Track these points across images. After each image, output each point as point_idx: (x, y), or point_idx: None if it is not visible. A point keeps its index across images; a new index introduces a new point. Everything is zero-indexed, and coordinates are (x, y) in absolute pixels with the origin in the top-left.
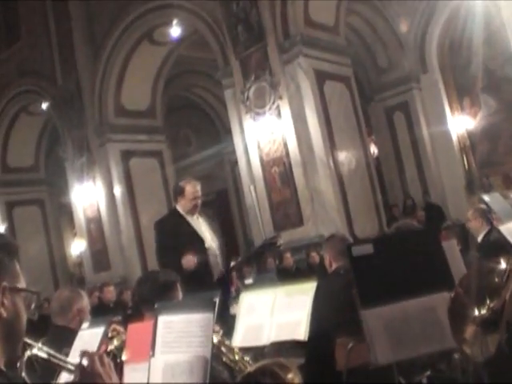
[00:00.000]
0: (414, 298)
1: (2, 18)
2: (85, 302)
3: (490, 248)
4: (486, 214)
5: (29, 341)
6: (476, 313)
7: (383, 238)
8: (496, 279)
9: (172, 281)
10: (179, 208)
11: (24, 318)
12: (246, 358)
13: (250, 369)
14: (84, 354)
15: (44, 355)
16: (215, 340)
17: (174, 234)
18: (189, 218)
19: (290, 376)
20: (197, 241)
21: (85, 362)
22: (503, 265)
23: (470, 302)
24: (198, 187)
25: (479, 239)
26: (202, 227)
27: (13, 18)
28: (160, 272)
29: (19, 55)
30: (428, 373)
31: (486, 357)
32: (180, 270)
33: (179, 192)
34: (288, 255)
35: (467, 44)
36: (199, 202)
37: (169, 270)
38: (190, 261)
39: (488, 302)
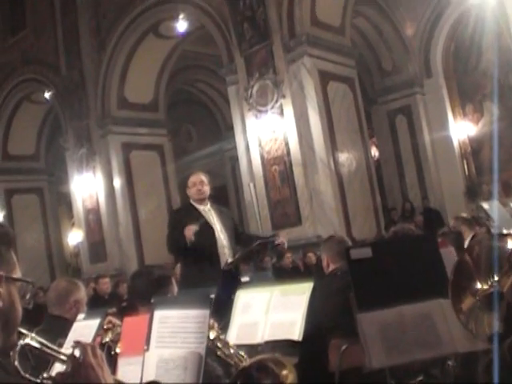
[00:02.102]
0: (411, 303)
1: (8, 6)
2: (82, 293)
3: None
4: (468, 221)
5: (23, 330)
6: (478, 286)
7: (382, 242)
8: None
9: (167, 275)
10: (192, 201)
11: (19, 307)
12: (241, 353)
13: (244, 364)
14: (77, 344)
15: (37, 345)
16: (211, 335)
17: (185, 222)
18: (201, 210)
19: (284, 372)
20: (206, 229)
21: (77, 353)
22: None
23: (473, 272)
24: (201, 176)
25: (465, 245)
26: (213, 219)
27: (19, 5)
28: (155, 267)
29: (24, 43)
30: (420, 378)
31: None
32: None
33: (185, 185)
34: (288, 255)
35: (472, 50)
36: (202, 188)
37: (164, 265)
38: (190, 229)
39: (493, 278)
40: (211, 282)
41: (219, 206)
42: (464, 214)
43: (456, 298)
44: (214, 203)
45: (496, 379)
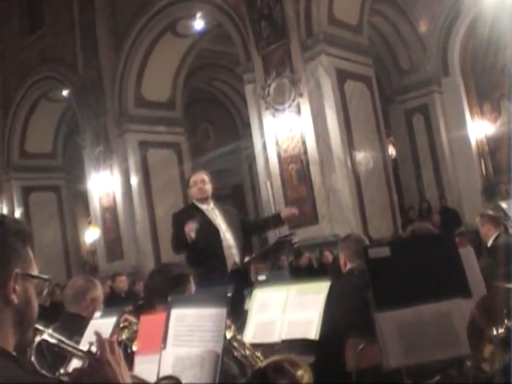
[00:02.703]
0: (429, 303)
1: (27, 5)
2: (99, 291)
3: (499, 253)
4: (494, 219)
5: (39, 326)
6: (494, 332)
7: (400, 241)
8: None
9: (185, 274)
10: (194, 201)
11: (35, 304)
12: (257, 354)
13: (260, 364)
14: (96, 335)
15: (53, 341)
16: (227, 335)
17: (187, 222)
18: (204, 209)
19: (299, 373)
20: (210, 230)
21: (94, 349)
22: None
23: (486, 322)
24: (203, 175)
25: (489, 244)
26: (218, 218)
27: (37, 5)
28: (173, 265)
29: (42, 42)
30: (437, 378)
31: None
32: (192, 259)
33: (186, 184)
34: (306, 254)
35: (490, 49)
36: (204, 187)
37: (182, 264)
38: (189, 226)
39: (506, 321)
40: (217, 282)
41: (223, 204)
42: (490, 212)
43: (476, 350)
44: (218, 202)
45: None
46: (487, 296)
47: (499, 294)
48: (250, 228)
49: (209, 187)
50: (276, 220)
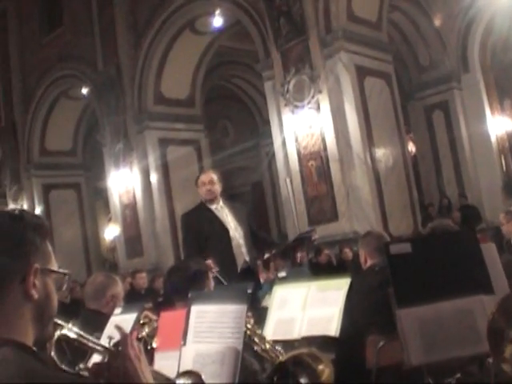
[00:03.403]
0: (451, 299)
1: (46, 3)
2: (119, 288)
3: None
4: None
5: (59, 321)
6: None
7: (421, 238)
8: None
9: (203, 270)
10: (203, 199)
11: (55, 299)
12: (278, 348)
13: (281, 358)
14: (118, 329)
15: (73, 335)
16: (248, 330)
17: (198, 225)
18: (213, 208)
19: (320, 367)
20: (221, 230)
21: (114, 344)
22: None
23: (505, 323)
24: (211, 175)
25: None
26: (227, 217)
27: (56, 3)
28: (191, 261)
29: (61, 40)
30: (458, 375)
31: None
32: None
33: (195, 184)
34: (326, 251)
35: (509, 45)
36: (212, 188)
37: (200, 260)
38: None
39: None
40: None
41: (232, 201)
42: None
43: (496, 351)
44: (227, 200)
45: None
46: (508, 296)
47: None
48: (256, 240)
49: (217, 187)
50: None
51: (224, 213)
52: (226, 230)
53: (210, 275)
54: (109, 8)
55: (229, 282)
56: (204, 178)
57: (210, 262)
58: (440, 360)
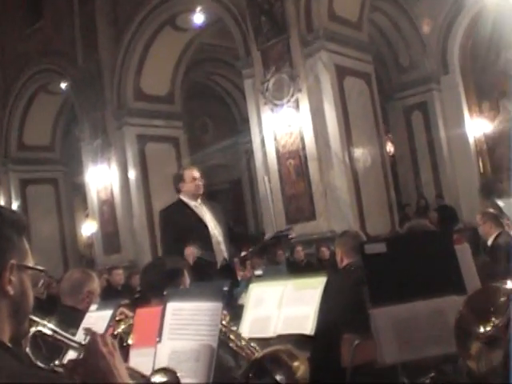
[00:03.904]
0: (424, 299)
1: None
2: (95, 284)
3: (499, 251)
4: (496, 217)
5: (34, 318)
6: (481, 330)
7: (396, 238)
8: (501, 298)
9: (179, 267)
10: (183, 197)
11: (31, 295)
12: (253, 345)
13: (257, 355)
14: (87, 331)
15: (49, 332)
16: (223, 328)
17: (178, 221)
18: (192, 206)
19: (296, 364)
20: (200, 227)
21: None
22: (509, 284)
23: (474, 320)
24: (197, 172)
25: (489, 243)
26: (206, 215)
27: None
28: (167, 259)
29: (41, 34)
30: (432, 374)
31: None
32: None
33: (179, 179)
34: (299, 248)
35: (490, 48)
36: (201, 184)
37: (176, 257)
38: (190, 254)
39: (493, 319)
40: (209, 279)
41: (209, 200)
42: (492, 210)
43: (462, 347)
44: (204, 198)
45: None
46: (476, 293)
47: (488, 291)
48: (233, 236)
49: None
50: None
51: (203, 210)
52: (205, 227)
53: (186, 273)
54: (90, 3)
55: (208, 279)
56: (194, 173)
57: (190, 248)
58: (414, 359)
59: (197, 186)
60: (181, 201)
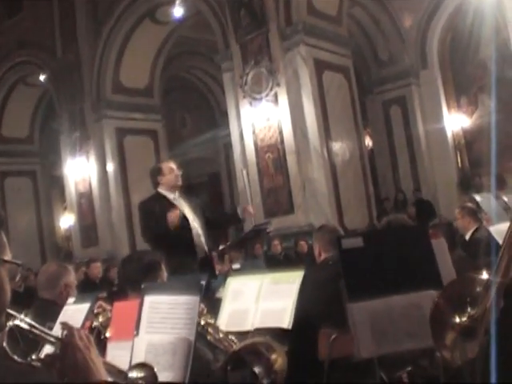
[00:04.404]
0: (401, 293)
1: None
2: (72, 277)
3: (477, 246)
4: (474, 212)
5: (12, 312)
6: (457, 320)
7: (373, 232)
8: (477, 289)
9: (156, 261)
10: (161, 190)
11: (8, 289)
12: (231, 337)
13: (235, 347)
14: (63, 325)
15: (25, 326)
16: (201, 321)
17: (158, 212)
18: (171, 198)
19: (274, 356)
20: (181, 219)
21: (65, 335)
22: (485, 275)
23: (450, 310)
24: (174, 163)
25: (467, 237)
26: (185, 208)
27: None
28: (145, 252)
29: (20, 26)
30: (409, 368)
31: (462, 360)
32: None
33: (157, 172)
34: (276, 242)
35: (469, 43)
36: (179, 174)
37: (154, 251)
38: (174, 214)
39: (469, 310)
40: (190, 271)
41: (187, 195)
42: (470, 204)
43: (438, 337)
44: (182, 192)
45: (493, 374)
46: (452, 283)
47: (464, 281)
48: (210, 224)
49: None
50: (235, 218)
51: (181, 203)
52: (185, 219)
53: (163, 266)
54: None
55: (189, 271)
56: (172, 165)
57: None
58: (390, 353)
59: (176, 177)
60: (159, 193)
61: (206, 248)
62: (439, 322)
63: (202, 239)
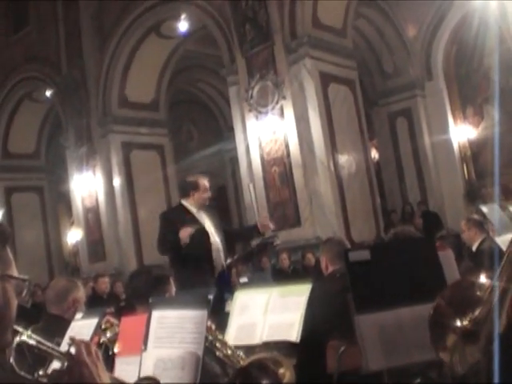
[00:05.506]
0: (409, 306)
1: (11, 3)
2: (81, 292)
3: (484, 257)
4: (480, 224)
5: (18, 328)
6: (458, 323)
7: (380, 245)
8: (478, 292)
9: (165, 275)
10: (186, 203)
11: (14, 305)
12: (239, 353)
13: (242, 363)
14: (71, 340)
15: (32, 342)
16: (209, 336)
17: (179, 224)
18: (194, 212)
19: (282, 370)
20: (201, 233)
21: (72, 350)
22: (483, 279)
23: (451, 313)
24: (208, 184)
25: (473, 249)
26: (206, 222)
27: (22, 3)
28: (154, 267)
29: (26, 41)
30: (418, 380)
31: (463, 366)
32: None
33: (193, 186)
34: (285, 256)
35: (473, 54)
36: (209, 198)
37: (162, 265)
38: (186, 231)
39: (470, 313)
40: (206, 285)
41: (207, 208)
42: (476, 216)
43: (438, 339)
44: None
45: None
46: (452, 286)
47: (467, 285)
48: (233, 237)
49: None
50: (255, 231)
51: (201, 217)
52: (206, 234)
53: (171, 280)
54: (75, 10)
55: (206, 285)
56: (207, 183)
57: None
58: (399, 365)
59: (208, 197)
60: (181, 206)
61: (224, 263)
62: (440, 325)
63: (221, 254)
